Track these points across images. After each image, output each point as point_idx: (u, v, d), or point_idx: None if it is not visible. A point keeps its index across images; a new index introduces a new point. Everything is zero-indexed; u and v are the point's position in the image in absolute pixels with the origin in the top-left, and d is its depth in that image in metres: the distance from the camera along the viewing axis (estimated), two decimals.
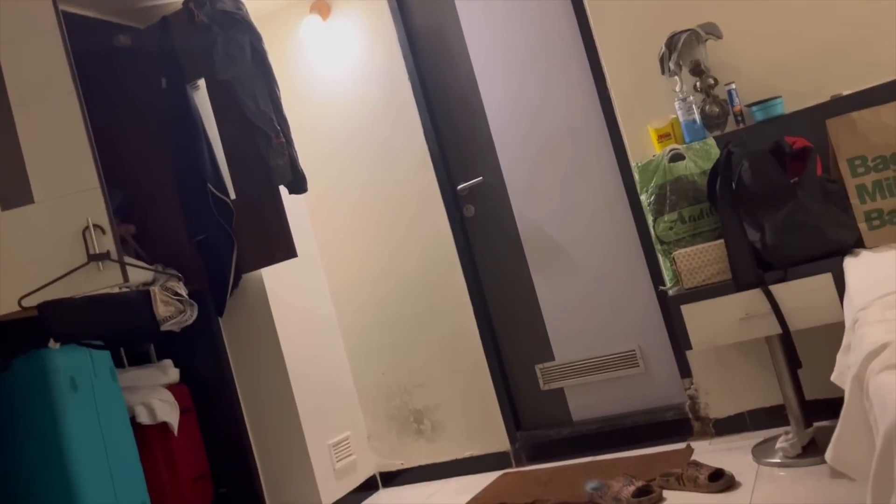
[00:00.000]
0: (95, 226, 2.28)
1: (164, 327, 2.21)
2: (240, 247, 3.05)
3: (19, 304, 2.15)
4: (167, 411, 3.02)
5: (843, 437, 0.97)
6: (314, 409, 3.24)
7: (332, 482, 3.22)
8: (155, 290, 2.24)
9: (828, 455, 1.03)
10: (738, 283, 2.27)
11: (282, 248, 3.03)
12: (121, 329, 2.23)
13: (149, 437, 2.95)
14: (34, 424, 2.52)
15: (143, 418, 2.96)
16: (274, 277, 3.23)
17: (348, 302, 3.55)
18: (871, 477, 0.77)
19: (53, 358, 2.56)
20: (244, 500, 3.19)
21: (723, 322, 2.27)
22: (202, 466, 3.17)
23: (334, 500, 3.19)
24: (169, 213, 2.99)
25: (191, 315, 2.25)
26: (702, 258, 2.41)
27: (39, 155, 2.32)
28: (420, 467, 3.41)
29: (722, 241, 2.38)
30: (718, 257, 2.37)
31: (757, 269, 2.27)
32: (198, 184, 3.05)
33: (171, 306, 2.22)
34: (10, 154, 2.31)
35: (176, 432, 3.04)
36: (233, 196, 3.11)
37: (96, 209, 2.30)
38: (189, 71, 3.13)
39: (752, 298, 2.24)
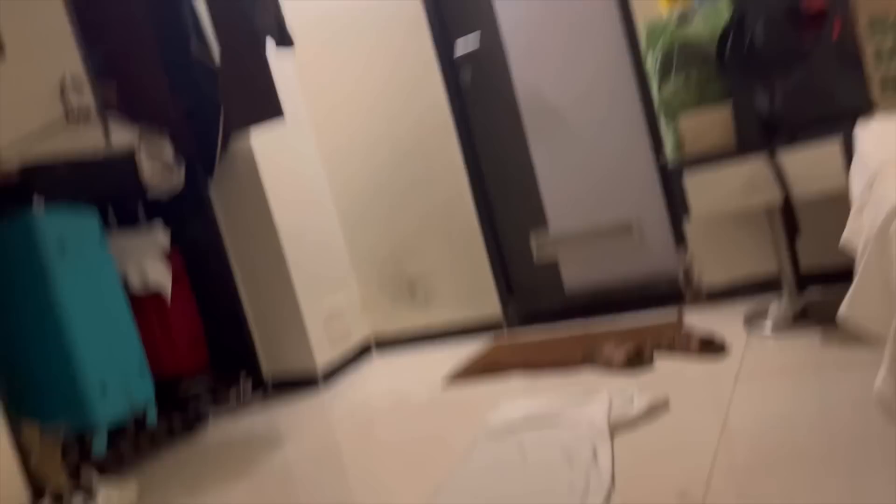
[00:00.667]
0: (73, 81, 2.16)
1: (152, 192, 2.14)
2: (226, 108, 2.93)
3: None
4: (160, 277, 3.01)
5: (858, 295, 0.94)
6: (308, 276, 3.24)
7: (326, 348, 3.26)
8: (141, 154, 2.15)
9: (841, 312, 1.01)
10: (742, 148, 2.21)
11: (269, 108, 2.91)
12: (105, 191, 2.16)
13: (142, 303, 2.96)
14: (23, 291, 2.50)
15: (136, 284, 2.95)
16: (264, 143, 3.13)
17: (341, 169, 3.47)
18: (893, 333, 0.74)
19: (39, 220, 2.50)
20: (238, 363, 3.25)
21: (725, 190, 2.23)
22: (196, 330, 3.20)
23: (329, 363, 3.25)
24: (151, 75, 2.84)
25: (179, 180, 2.17)
26: (707, 124, 2.33)
27: (10, 6, 2.16)
28: (413, 334, 3.46)
29: (728, 107, 2.30)
30: (724, 123, 2.29)
31: (763, 133, 2.20)
32: (181, 45, 2.88)
33: (157, 168, 2.14)
34: None
35: (169, 298, 3.05)
36: (217, 56, 2.95)
37: (74, 62, 2.17)
38: None
39: (756, 165, 2.18)
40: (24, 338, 2.51)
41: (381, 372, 3.24)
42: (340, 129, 3.43)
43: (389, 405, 2.73)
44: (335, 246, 3.49)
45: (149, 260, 3.01)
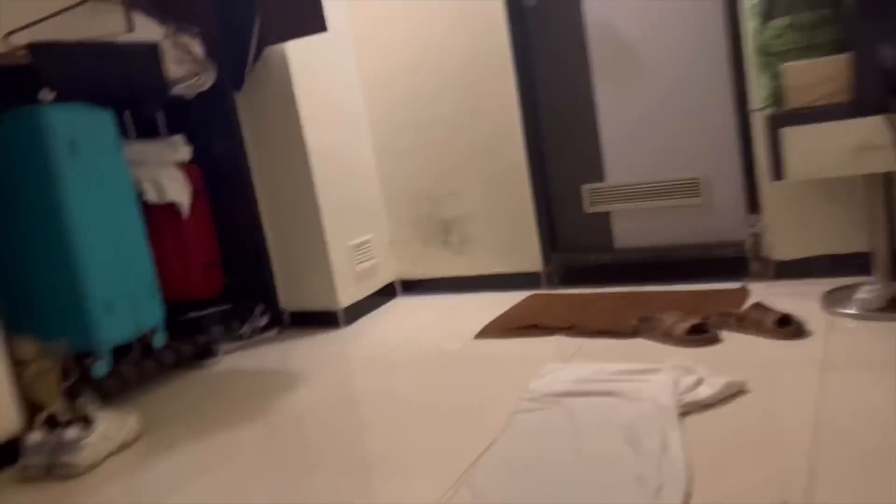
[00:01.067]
0: None
1: (175, 89, 1.87)
2: (263, 15, 2.63)
3: (8, 40, 1.79)
4: (177, 190, 2.76)
5: None
6: (336, 207, 2.98)
7: (350, 284, 3.03)
8: (166, 44, 1.87)
9: None
10: (859, 106, 1.91)
11: (312, 19, 2.61)
12: (124, 85, 1.89)
13: (156, 217, 2.72)
14: (27, 193, 2.25)
15: (151, 195, 2.70)
16: (300, 56, 2.84)
17: (379, 92, 3.17)
18: None
19: (49, 115, 2.24)
20: (255, 292, 3.02)
21: (831, 151, 1.94)
22: (213, 253, 2.97)
23: (352, 301, 3.02)
24: None
25: (206, 79, 1.90)
26: (816, 74, 2.02)
27: None
28: (443, 279, 3.22)
29: (842, 56, 1.99)
30: (836, 75, 1.98)
31: (886, 91, 1.89)
32: None
33: (184, 65, 1.86)
34: None
35: (186, 213, 2.80)
36: None
37: None
38: None
39: (872, 126, 1.89)
40: (26, 245, 2.27)
41: (406, 316, 3.01)
42: (382, 47, 3.12)
43: (415, 354, 2.50)
44: (367, 176, 3.22)
45: (166, 170, 2.76)
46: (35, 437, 1.87)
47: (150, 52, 1.83)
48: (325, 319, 2.98)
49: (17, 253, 2.25)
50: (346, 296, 3.00)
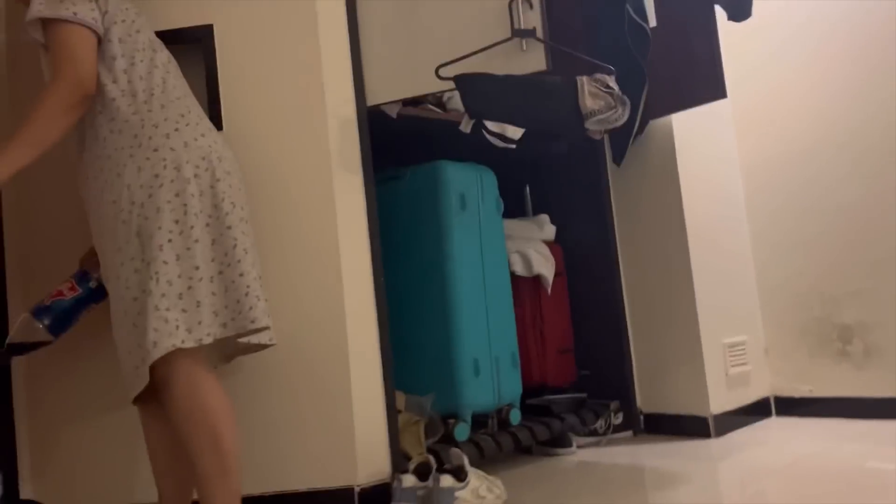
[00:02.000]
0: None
1: (590, 123, 1.75)
2: (655, 82, 2.50)
3: (437, 73, 1.83)
4: (543, 264, 2.65)
5: None
6: (712, 298, 2.63)
7: (722, 389, 2.60)
8: (583, 79, 1.78)
9: None
10: None
11: (709, 85, 2.42)
12: (539, 117, 1.82)
13: (519, 289, 2.61)
14: (421, 237, 2.28)
15: (518, 268, 2.61)
16: (683, 128, 2.64)
17: (762, 176, 2.83)
18: None
19: (446, 171, 2.29)
20: (609, 387, 2.72)
21: None
22: (568, 339, 2.77)
23: (722, 410, 2.58)
24: (579, 25, 2.53)
25: (621, 114, 1.76)
26: None
27: None
28: (837, 399, 2.64)
29: None
30: None
31: None
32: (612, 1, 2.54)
33: (601, 100, 1.74)
34: None
35: (549, 289, 2.66)
36: (653, 23, 2.56)
37: None
38: None
39: None
40: (413, 294, 2.28)
41: (791, 438, 2.48)
42: (770, 125, 2.80)
43: (801, 486, 1.97)
44: (742, 269, 2.84)
45: (533, 245, 2.67)
46: (409, 480, 1.73)
47: (567, 86, 1.75)
48: (690, 426, 2.56)
49: (406, 301, 2.25)
50: (718, 402, 2.57)
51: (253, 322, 1.50)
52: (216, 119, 1.88)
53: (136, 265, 1.45)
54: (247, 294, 1.50)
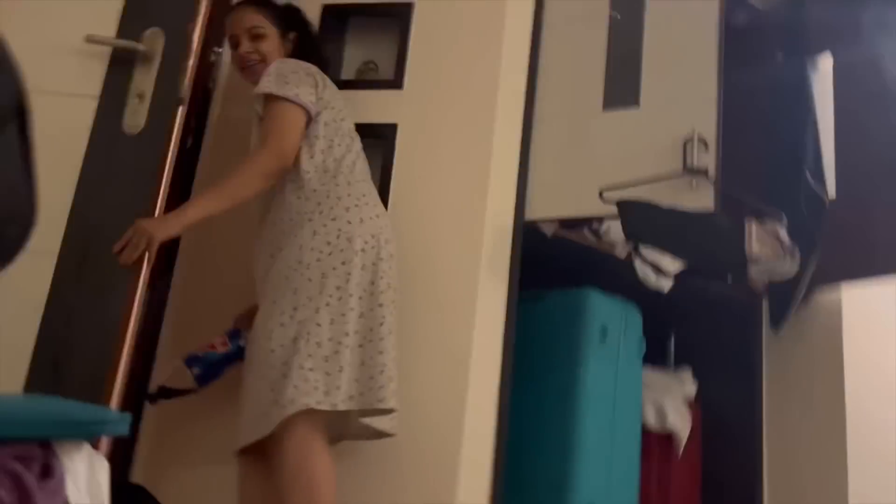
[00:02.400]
0: (700, 139, 1.88)
1: (755, 269, 1.67)
2: (826, 248, 2.37)
3: (600, 195, 1.85)
4: (678, 422, 2.48)
5: None
6: (866, 497, 2.32)
7: None
8: (752, 223, 1.72)
9: None
10: None
11: (889, 258, 2.26)
12: (699, 252, 1.77)
13: (648, 444, 2.43)
14: (555, 364, 2.21)
15: (651, 419, 2.46)
16: (856, 311, 2.46)
17: None
18: None
19: (590, 300, 2.25)
20: None
21: None
22: None
23: None
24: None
25: (791, 267, 1.67)
26: None
27: (657, 59, 2.03)
28: None
29: None
30: None
31: None
32: (791, 169, 2.48)
33: (768, 248, 1.67)
34: (630, 56, 2.06)
35: (680, 451, 2.47)
36: (832, 194, 2.46)
37: (706, 122, 1.90)
38: (815, 44, 2.63)
39: None
40: (535, 422, 2.18)
41: None
42: None
43: None
44: None
45: (671, 399, 2.52)
46: None
47: (734, 226, 1.70)
48: None
49: (526, 424, 2.16)
50: None
51: (381, 401, 1.51)
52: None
53: (284, 320, 1.51)
54: (382, 372, 1.52)
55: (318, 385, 1.45)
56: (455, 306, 1.91)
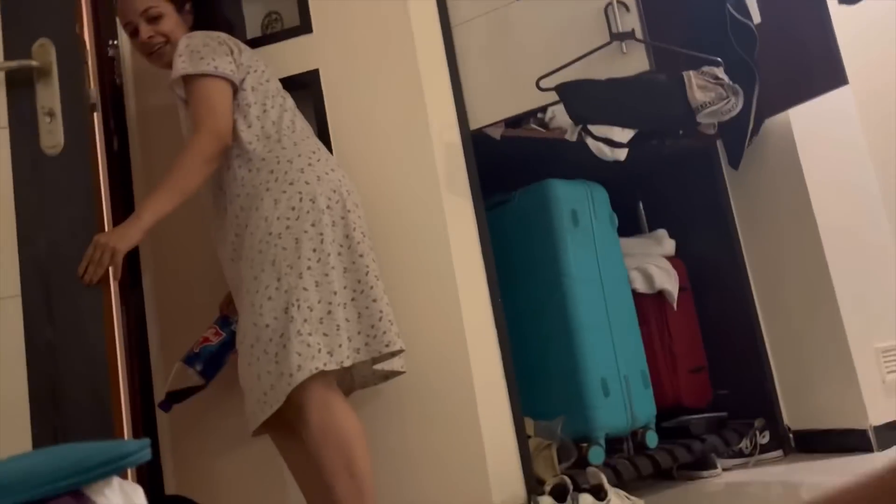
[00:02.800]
0: (619, 1, 1.85)
1: (702, 116, 1.68)
2: (763, 82, 2.39)
3: (537, 85, 1.82)
4: (665, 279, 2.54)
5: None
6: (856, 299, 2.43)
7: (880, 398, 2.37)
8: (690, 73, 1.72)
9: None
10: None
11: (827, 75, 2.28)
12: (646, 115, 1.77)
13: (643, 307, 2.50)
14: (536, 258, 2.24)
15: (639, 285, 2.51)
16: (805, 125, 2.50)
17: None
18: None
19: (554, 188, 2.26)
20: (752, 405, 2.54)
21: None
22: (700, 357, 2.62)
23: (884, 421, 2.34)
24: (678, 31, 2.47)
25: (734, 104, 1.68)
26: None
27: None
28: None
29: None
30: None
31: None
32: (713, 6, 2.46)
33: (711, 91, 1.67)
34: None
35: (675, 304, 2.54)
36: (757, 19, 2.46)
37: None
38: None
39: None
40: (531, 317, 2.23)
41: None
42: (894, 115, 2.61)
43: None
44: (889, 271, 2.61)
45: (653, 260, 2.58)
46: (546, 502, 1.66)
47: (674, 82, 1.69)
48: (847, 441, 2.34)
49: (527, 324, 2.21)
50: (877, 412, 2.34)
51: (388, 346, 1.52)
52: None
53: (271, 293, 1.50)
54: (380, 319, 1.53)
55: (320, 347, 1.46)
56: (427, 233, 1.91)
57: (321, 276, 1.51)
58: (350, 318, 1.52)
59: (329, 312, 1.49)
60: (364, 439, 1.49)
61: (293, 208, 1.55)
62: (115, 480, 0.66)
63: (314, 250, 1.52)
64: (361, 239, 1.59)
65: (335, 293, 1.51)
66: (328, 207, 1.56)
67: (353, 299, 1.54)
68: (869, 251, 2.56)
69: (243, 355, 1.54)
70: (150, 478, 1.84)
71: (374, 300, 1.54)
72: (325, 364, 1.45)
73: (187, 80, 1.64)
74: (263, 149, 1.62)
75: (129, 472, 1.69)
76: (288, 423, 1.55)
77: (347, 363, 1.48)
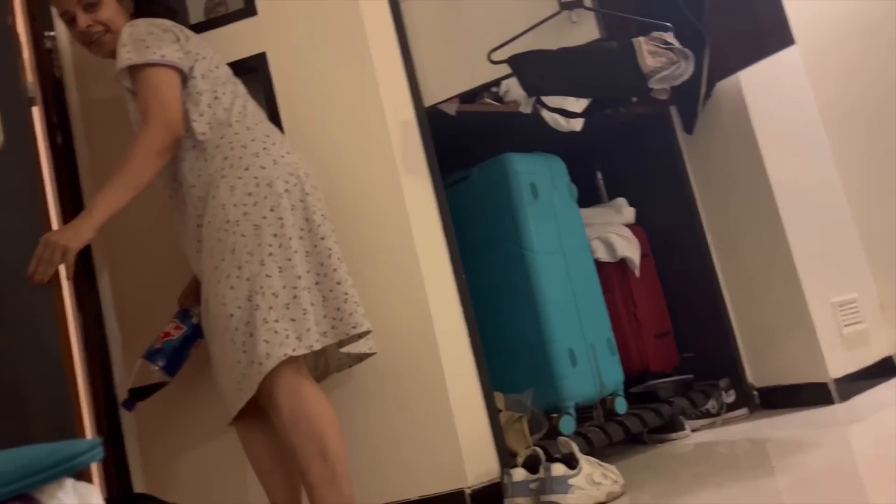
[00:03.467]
0: None
1: (653, 82, 1.69)
2: (715, 42, 2.40)
3: (489, 58, 1.81)
4: (627, 247, 2.57)
5: None
6: (812, 256, 2.48)
7: (839, 352, 2.44)
8: (640, 39, 1.72)
9: None
10: None
11: (773, 35, 2.31)
12: (598, 83, 1.77)
13: (606, 275, 2.53)
14: (498, 233, 2.24)
15: (601, 253, 2.54)
16: (755, 87, 2.53)
17: (846, 122, 2.67)
18: None
19: (513, 162, 2.25)
20: (717, 366, 2.59)
21: None
22: (664, 322, 2.66)
23: (843, 373, 2.41)
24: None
25: (685, 68, 1.69)
26: None
27: None
28: None
29: None
30: None
31: None
32: None
33: (661, 56, 1.68)
34: None
35: (637, 271, 2.57)
36: None
37: None
38: None
39: None
40: (496, 291, 2.23)
41: None
42: (842, 71, 2.65)
43: None
44: (843, 226, 2.67)
45: (613, 230, 2.59)
46: (519, 474, 1.67)
47: (625, 49, 1.69)
48: (809, 395, 2.40)
49: (492, 300, 2.21)
50: (836, 365, 2.41)
51: (355, 327, 1.51)
52: None
53: (233, 282, 1.47)
54: (346, 301, 1.52)
55: (288, 333, 1.44)
56: (386, 213, 1.90)
57: (284, 262, 1.48)
58: (315, 302, 1.50)
59: (294, 297, 1.47)
60: (337, 424, 1.48)
61: (250, 194, 1.52)
62: (69, 482, 0.64)
63: (275, 235, 1.50)
64: (322, 221, 1.56)
65: (299, 277, 1.49)
66: (286, 191, 1.54)
67: (317, 283, 1.52)
68: (822, 207, 2.61)
69: (213, 347, 1.51)
70: (117, 476, 1.81)
71: (339, 283, 1.53)
72: (293, 349, 1.44)
73: (133, 70, 1.58)
74: (216, 136, 1.58)
75: (94, 472, 1.66)
76: (257, 413, 1.53)
77: (317, 346, 1.47)
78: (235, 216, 1.50)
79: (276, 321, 1.44)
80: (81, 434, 1.22)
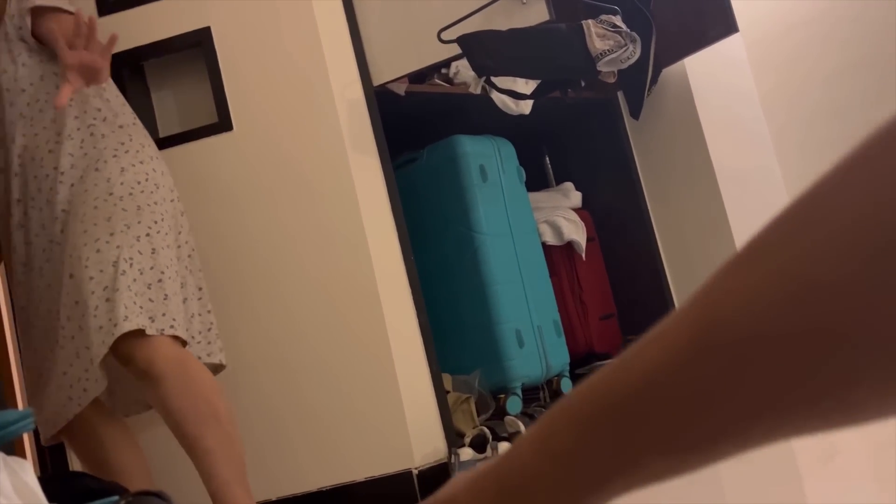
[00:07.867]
0: None
1: (601, 64, 1.70)
2: (659, 32, 2.44)
3: (439, 37, 1.80)
4: (574, 231, 2.59)
5: None
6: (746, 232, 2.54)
7: None
8: (589, 22, 1.73)
9: None
10: None
11: (718, 23, 2.36)
12: (547, 65, 1.78)
13: (553, 258, 2.55)
14: (447, 215, 2.24)
15: (548, 237, 2.56)
16: (700, 74, 2.58)
17: (785, 110, 2.75)
18: None
19: (462, 145, 2.25)
20: None
21: None
22: (609, 304, 2.71)
23: None
24: None
25: (633, 51, 1.71)
26: None
27: None
28: None
29: None
30: None
31: None
32: None
33: (609, 40, 1.69)
34: None
35: (583, 255, 2.60)
36: None
37: None
38: None
39: None
40: (445, 272, 2.23)
41: None
42: (782, 59, 2.72)
43: None
44: (780, 208, 2.75)
45: (560, 214, 2.62)
46: (466, 454, 1.68)
47: (573, 31, 1.70)
48: None
49: (440, 281, 2.21)
50: None
51: (210, 356, 1.52)
52: (225, 119, 1.87)
53: (100, 246, 1.40)
54: (210, 329, 1.53)
55: (142, 310, 1.38)
56: (334, 194, 1.87)
57: (159, 247, 1.45)
58: (177, 299, 1.46)
59: (160, 281, 1.42)
60: (222, 390, 1.44)
61: (139, 182, 1.49)
62: None
63: (155, 222, 1.46)
64: (184, 244, 1.56)
65: (168, 267, 1.45)
66: (172, 201, 1.54)
67: (182, 286, 1.50)
68: (761, 191, 2.68)
69: (65, 315, 1.41)
70: (51, 456, 1.76)
71: (209, 311, 1.55)
72: (144, 327, 1.36)
73: (37, 13, 1.51)
74: (114, 121, 1.55)
75: (27, 449, 1.60)
76: (83, 422, 1.47)
77: (170, 332, 1.40)
78: (121, 193, 1.46)
79: (136, 294, 1.38)
80: (13, 405, 1.17)
